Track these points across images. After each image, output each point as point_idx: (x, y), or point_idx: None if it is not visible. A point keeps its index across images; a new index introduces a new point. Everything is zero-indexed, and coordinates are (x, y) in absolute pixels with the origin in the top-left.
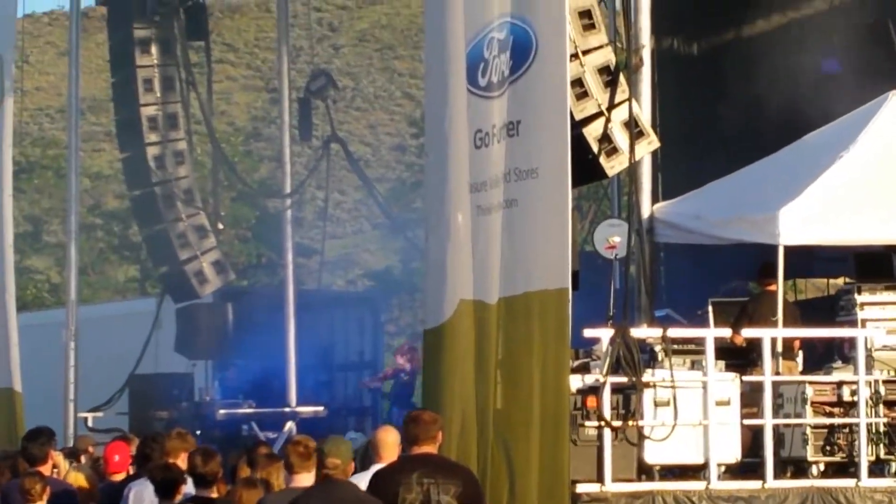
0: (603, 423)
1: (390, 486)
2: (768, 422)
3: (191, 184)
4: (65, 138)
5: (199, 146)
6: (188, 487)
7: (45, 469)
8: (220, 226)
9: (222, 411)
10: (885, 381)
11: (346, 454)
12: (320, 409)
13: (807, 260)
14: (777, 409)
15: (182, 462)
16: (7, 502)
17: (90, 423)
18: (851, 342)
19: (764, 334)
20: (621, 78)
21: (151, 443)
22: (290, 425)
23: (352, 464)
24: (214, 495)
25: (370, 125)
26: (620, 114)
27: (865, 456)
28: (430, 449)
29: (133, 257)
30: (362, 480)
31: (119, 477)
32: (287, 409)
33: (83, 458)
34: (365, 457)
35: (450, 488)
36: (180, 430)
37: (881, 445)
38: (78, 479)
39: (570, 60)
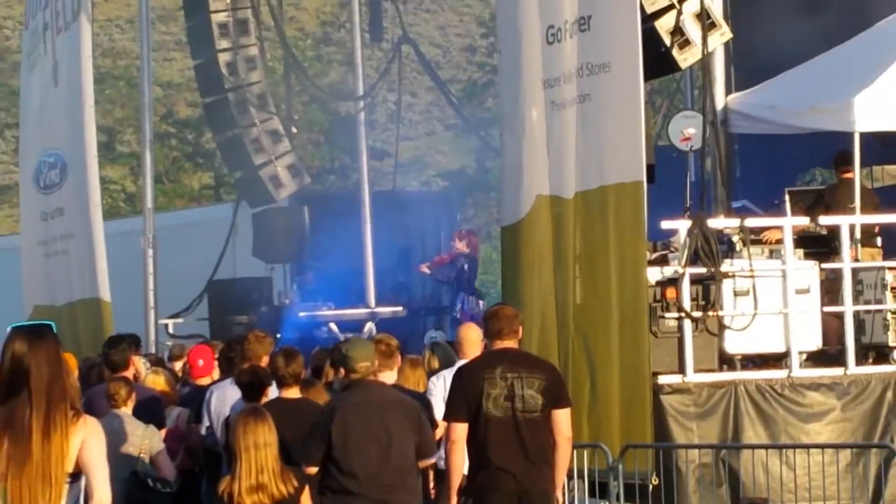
0: (683, 315)
1: (475, 381)
2: (848, 308)
3: (263, 89)
4: (135, 48)
5: (269, 52)
6: (272, 389)
7: (128, 375)
8: (294, 130)
9: (302, 314)
10: None
11: (371, 355)
12: (399, 308)
13: (882, 147)
14: (857, 296)
15: (264, 364)
16: (92, 407)
17: (171, 330)
18: None
19: (842, 221)
20: None
21: (234, 346)
22: (369, 326)
23: (377, 362)
24: (297, 396)
25: (440, 26)
26: (692, 5)
27: None
28: (511, 343)
29: (207, 164)
30: (449, 376)
31: (204, 381)
32: (366, 310)
33: (177, 365)
34: (449, 354)
35: (533, 382)
36: (258, 333)
37: None
38: (157, 383)
39: None
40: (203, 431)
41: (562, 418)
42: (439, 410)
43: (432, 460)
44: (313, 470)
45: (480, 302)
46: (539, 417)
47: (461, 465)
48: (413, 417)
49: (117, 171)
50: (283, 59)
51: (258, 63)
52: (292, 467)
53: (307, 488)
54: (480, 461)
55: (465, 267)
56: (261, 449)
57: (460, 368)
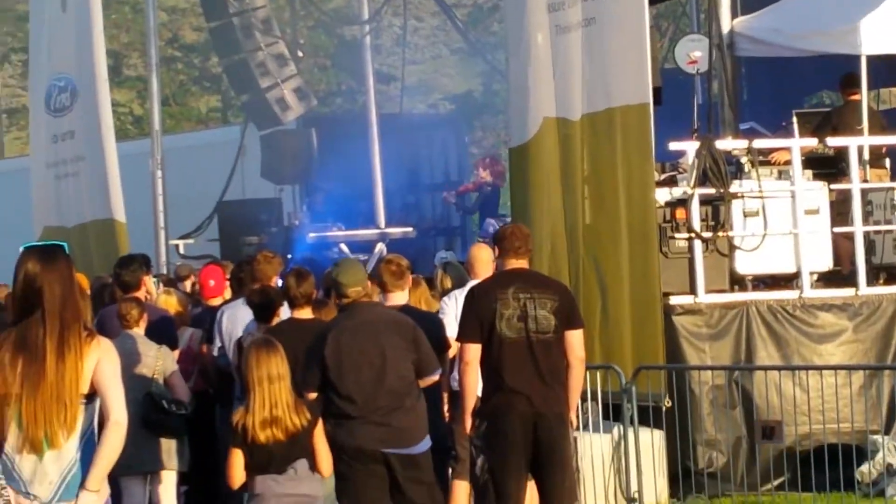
0: (693, 235)
1: (488, 301)
2: (858, 229)
3: (268, 13)
4: None
5: None
6: (284, 309)
7: (139, 295)
8: (300, 53)
9: (312, 234)
10: None
11: (363, 278)
12: (409, 229)
13: (889, 70)
14: (867, 217)
15: (274, 284)
16: (104, 327)
17: (182, 251)
18: None
19: (850, 142)
20: None
21: (244, 266)
22: (380, 246)
23: (368, 283)
24: (309, 316)
25: None
26: None
27: None
28: (523, 263)
29: (214, 88)
30: (461, 296)
31: (216, 301)
32: (376, 231)
33: (185, 285)
34: (462, 274)
35: (546, 302)
36: (266, 253)
37: None
38: (169, 303)
39: None
40: (215, 352)
41: (575, 339)
42: (451, 330)
43: (434, 377)
44: (313, 395)
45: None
46: (552, 338)
47: (475, 386)
48: (408, 336)
49: (124, 94)
50: None
51: None
52: (305, 400)
53: (321, 420)
54: (494, 382)
55: (490, 193)
56: (274, 382)
57: (472, 288)
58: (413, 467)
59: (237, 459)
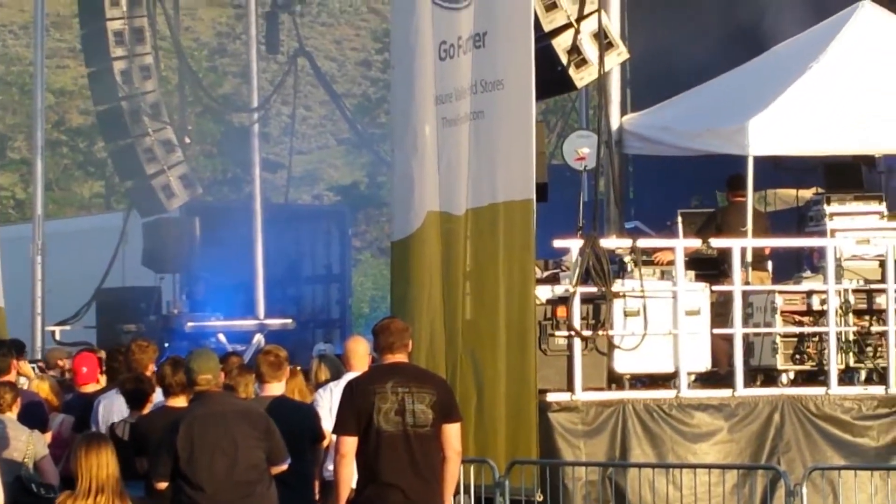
0: (573, 333)
1: (366, 395)
2: (738, 331)
3: (157, 98)
4: (28, 54)
5: (163, 61)
6: (158, 397)
7: (10, 379)
8: (187, 140)
9: (190, 324)
10: (854, 291)
11: (214, 367)
12: (288, 321)
13: (776, 171)
14: (747, 319)
15: (150, 372)
16: None
17: (58, 337)
18: (821, 252)
19: (734, 244)
20: None
21: (117, 355)
22: (258, 337)
23: (221, 374)
24: (184, 404)
25: (336, 40)
26: (590, 25)
27: (835, 364)
28: (402, 357)
29: (98, 173)
30: (336, 389)
31: (89, 388)
32: (255, 321)
33: (54, 372)
34: (338, 367)
35: (424, 397)
36: (140, 342)
37: (850, 354)
38: (41, 388)
39: None
40: None
41: (452, 433)
42: (326, 423)
43: (283, 467)
44: (163, 485)
45: None
46: (430, 432)
47: (350, 478)
48: (259, 426)
49: (7, 177)
50: (178, 69)
51: (153, 72)
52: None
53: None
54: (369, 475)
55: None
56: (102, 469)
57: (350, 382)
58: None
59: None
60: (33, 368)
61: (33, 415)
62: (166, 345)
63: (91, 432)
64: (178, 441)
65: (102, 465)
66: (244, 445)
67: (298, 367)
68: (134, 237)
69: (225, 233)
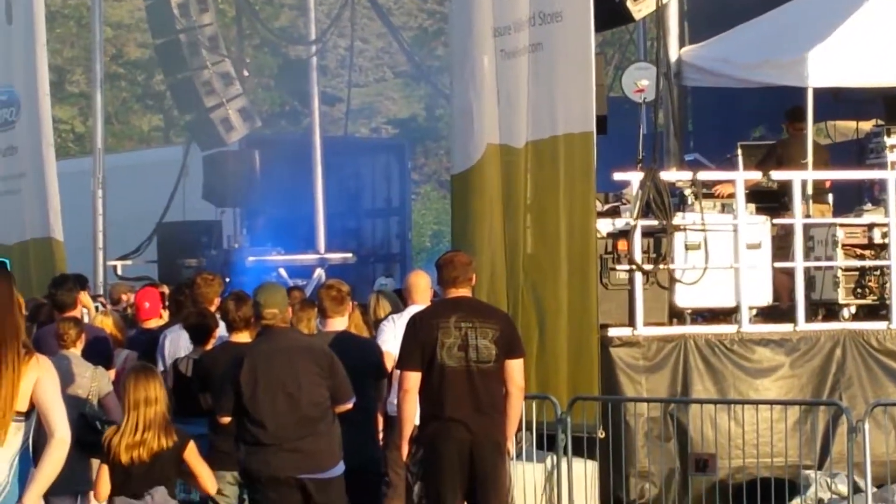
0: (634, 267)
1: (429, 329)
2: (799, 265)
3: (215, 31)
4: None
5: None
6: (221, 331)
7: (76, 314)
8: (246, 73)
9: (251, 258)
10: None
11: (281, 302)
12: (349, 255)
13: (835, 103)
14: (808, 252)
15: (215, 307)
16: (40, 347)
17: (119, 272)
18: (882, 184)
19: (794, 176)
20: None
21: (184, 289)
22: (319, 272)
23: (289, 310)
24: (246, 340)
25: None
26: None
27: None
28: (465, 292)
29: (157, 106)
30: (400, 321)
31: (151, 324)
32: (316, 256)
33: (117, 307)
34: (402, 299)
35: (487, 332)
36: (206, 276)
37: None
38: (105, 324)
39: None
40: None
41: (515, 368)
42: (389, 346)
43: (348, 405)
44: (226, 419)
45: None
46: (493, 367)
47: (413, 413)
48: (323, 364)
49: (66, 111)
50: (235, 1)
51: (210, 4)
52: (178, 426)
53: (190, 444)
54: (433, 410)
55: None
56: (150, 405)
57: (414, 316)
58: (327, 491)
59: (104, 474)
60: (96, 306)
61: (98, 350)
62: (227, 279)
63: (138, 364)
64: (242, 376)
65: (151, 400)
66: (307, 382)
67: (355, 303)
68: (194, 171)
69: (284, 167)
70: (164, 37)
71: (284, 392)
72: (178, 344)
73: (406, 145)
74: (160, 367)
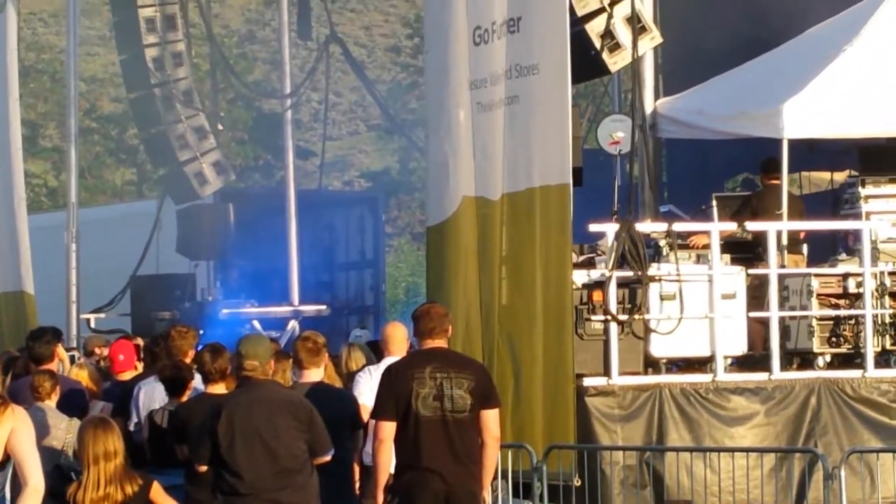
0: (609, 317)
1: (405, 379)
2: (774, 314)
3: (189, 85)
4: (59, 42)
5: (193, 48)
6: (197, 383)
7: (52, 367)
8: (220, 127)
9: (225, 311)
10: (890, 273)
11: (262, 354)
12: (323, 307)
13: (809, 155)
14: (783, 302)
15: (189, 359)
16: (16, 399)
17: (93, 324)
18: (856, 235)
19: (769, 227)
20: None
21: (158, 341)
22: (293, 324)
23: (271, 362)
24: (222, 391)
25: (365, 26)
26: (622, 9)
27: (871, 347)
28: (441, 343)
29: (129, 160)
30: (376, 372)
31: (126, 376)
32: (290, 308)
33: (91, 359)
34: (375, 352)
35: (462, 382)
36: (180, 328)
37: (887, 336)
38: (80, 376)
39: None
40: (132, 427)
41: (490, 418)
42: (365, 399)
43: (327, 458)
44: (203, 468)
45: None
46: (468, 417)
47: (388, 463)
48: (302, 417)
49: (39, 165)
50: (210, 55)
51: (185, 59)
52: (139, 471)
53: (154, 485)
54: (409, 460)
55: None
56: (109, 459)
57: (389, 367)
58: None
59: None
60: (71, 356)
61: (74, 402)
62: (201, 332)
63: (94, 417)
64: (220, 426)
65: (111, 453)
66: (286, 435)
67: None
68: (168, 224)
69: (258, 219)
70: (138, 91)
71: (262, 443)
72: (152, 396)
73: (380, 198)
74: (134, 419)
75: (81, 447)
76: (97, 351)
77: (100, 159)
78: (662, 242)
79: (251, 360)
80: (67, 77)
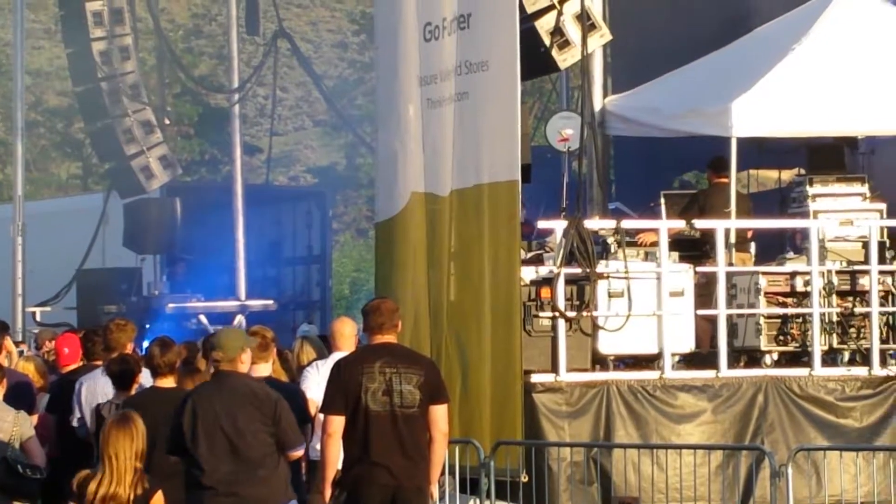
0: (557, 314)
1: (353, 375)
2: (722, 312)
3: (136, 79)
4: (5, 36)
5: (140, 42)
6: (144, 378)
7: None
8: (167, 121)
9: (171, 305)
10: (837, 272)
11: (230, 346)
12: (270, 302)
13: (758, 153)
14: (730, 300)
15: (129, 351)
16: None
17: (38, 318)
18: (804, 233)
19: (717, 225)
20: None
21: (93, 336)
22: (239, 318)
23: (241, 354)
24: (171, 385)
25: (311, 22)
26: (572, 6)
27: (819, 345)
28: (391, 338)
29: (75, 154)
30: (324, 367)
31: (71, 369)
32: (237, 303)
33: (39, 352)
34: (321, 348)
35: (411, 378)
36: (118, 321)
37: (834, 335)
38: (27, 369)
39: None
40: (75, 423)
41: (439, 414)
42: (313, 394)
43: (299, 452)
44: (174, 459)
45: None
46: (417, 413)
47: (336, 457)
48: (267, 410)
49: None
50: (157, 50)
51: (132, 53)
52: (148, 476)
53: (159, 493)
54: (357, 455)
55: None
56: (128, 460)
57: (338, 361)
58: None
59: None
60: (20, 350)
61: (21, 395)
62: (147, 326)
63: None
64: (184, 419)
65: (129, 453)
66: (248, 428)
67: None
68: (114, 218)
69: (205, 214)
70: (85, 84)
71: (223, 435)
72: (94, 390)
73: (327, 193)
74: (77, 413)
75: (102, 439)
76: (47, 344)
77: (45, 153)
78: (611, 240)
79: (217, 351)
80: (14, 70)
